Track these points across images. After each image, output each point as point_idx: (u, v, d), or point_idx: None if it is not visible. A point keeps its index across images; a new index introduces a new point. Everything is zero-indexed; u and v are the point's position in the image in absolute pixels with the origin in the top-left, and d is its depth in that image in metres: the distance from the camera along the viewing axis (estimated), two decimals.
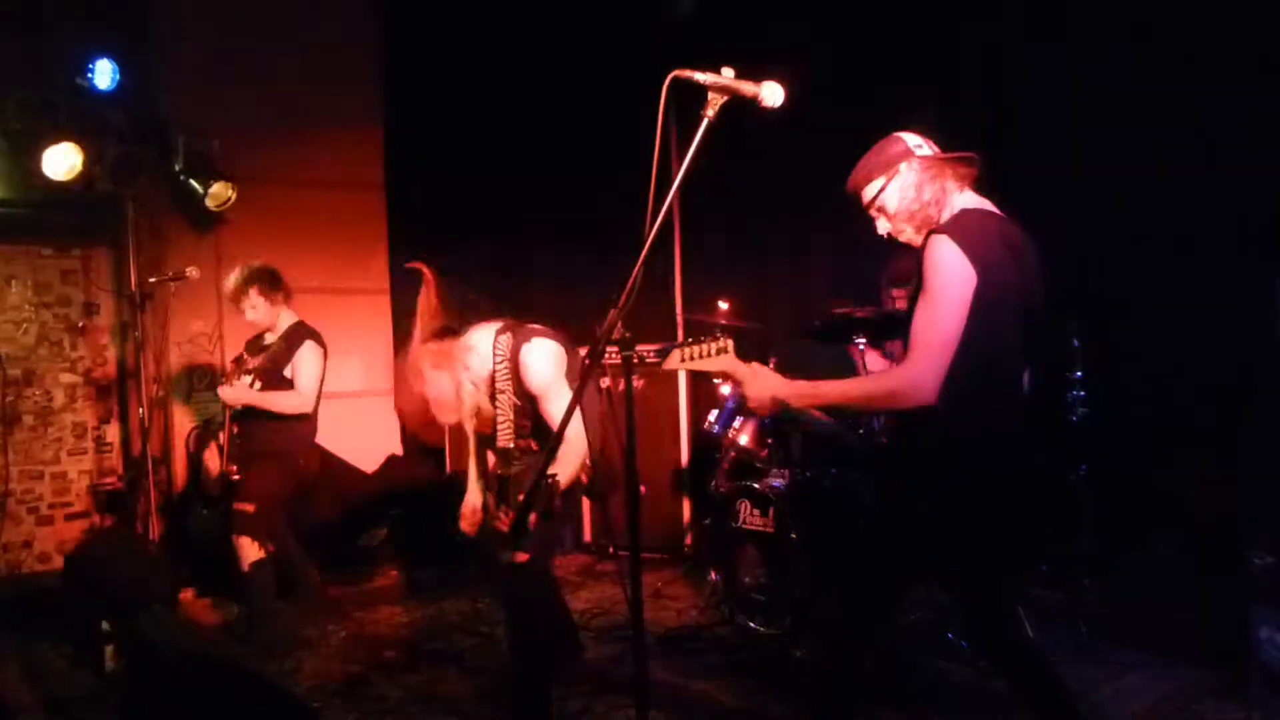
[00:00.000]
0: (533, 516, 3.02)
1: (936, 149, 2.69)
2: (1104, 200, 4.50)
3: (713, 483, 5.04)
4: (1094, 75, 4.49)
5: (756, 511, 4.50)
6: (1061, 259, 2.91)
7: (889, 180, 2.66)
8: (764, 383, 2.60)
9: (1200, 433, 4.28)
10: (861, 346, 4.40)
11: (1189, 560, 3.89)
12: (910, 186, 2.63)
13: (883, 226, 2.74)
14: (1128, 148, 4.40)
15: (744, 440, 4.72)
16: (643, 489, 6.17)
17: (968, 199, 2.64)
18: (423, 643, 4.75)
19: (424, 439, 3.49)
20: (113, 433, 6.36)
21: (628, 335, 2.20)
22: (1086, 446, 4.37)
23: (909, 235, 2.69)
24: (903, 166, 2.64)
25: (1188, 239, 4.21)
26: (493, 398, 3.38)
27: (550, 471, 2.76)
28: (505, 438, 3.36)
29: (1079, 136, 4.54)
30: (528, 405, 3.37)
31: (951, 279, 2.43)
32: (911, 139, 2.69)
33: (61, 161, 5.18)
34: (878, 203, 2.70)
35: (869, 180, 2.70)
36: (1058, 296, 2.77)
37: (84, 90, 5.44)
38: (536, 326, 3.44)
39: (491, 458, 3.67)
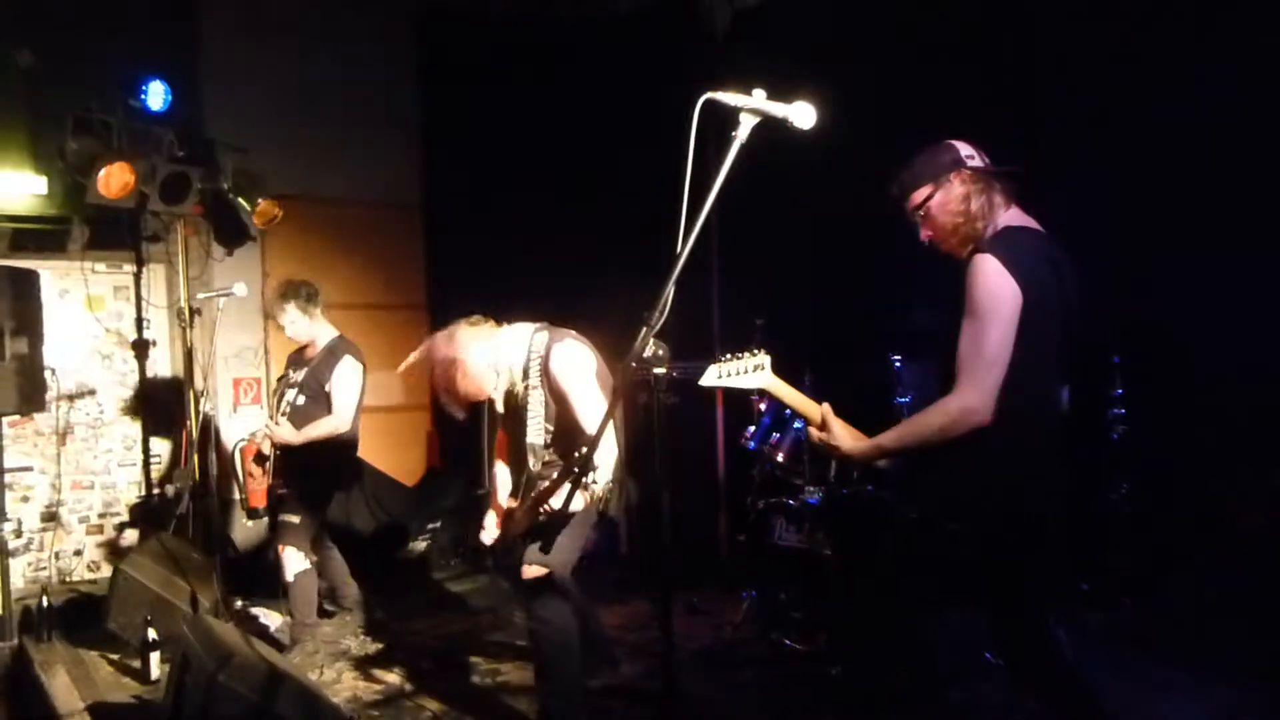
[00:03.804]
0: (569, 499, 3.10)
1: (987, 161, 2.65)
2: (1145, 216, 4.46)
3: (748, 498, 5.04)
4: (1133, 90, 4.45)
5: (792, 528, 4.50)
6: (1102, 276, 2.89)
7: (936, 189, 2.63)
8: (836, 441, 2.64)
9: (1241, 449, 4.21)
10: (898, 363, 4.39)
11: (1232, 578, 3.82)
12: (958, 198, 2.59)
13: (925, 234, 2.70)
14: (1168, 163, 4.36)
15: (780, 456, 4.71)
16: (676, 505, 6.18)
17: (1013, 215, 2.62)
18: (459, 655, 4.79)
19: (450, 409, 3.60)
20: (161, 445, 6.50)
21: (659, 353, 2.22)
22: (1127, 464, 4.32)
23: (951, 246, 2.65)
24: (952, 176, 2.61)
25: (1229, 254, 4.16)
26: (525, 393, 3.48)
27: (589, 465, 2.79)
28: (535, 433, 3.45)
29: (1118, 151, 4.50)
30: (554, 409, 3.44)
31: (999, 298, 2.42)
32: (964, 149, 2.65)
33: (115, 180, 5.31)
34: (923, 210, 2.66)
35: (916, 186, 2.66)
36: (1098, 313, 2.75)
37: (137, 111, 5.58)
38: (572, 332, 3.57)
39: (507, 473, 3.74)
